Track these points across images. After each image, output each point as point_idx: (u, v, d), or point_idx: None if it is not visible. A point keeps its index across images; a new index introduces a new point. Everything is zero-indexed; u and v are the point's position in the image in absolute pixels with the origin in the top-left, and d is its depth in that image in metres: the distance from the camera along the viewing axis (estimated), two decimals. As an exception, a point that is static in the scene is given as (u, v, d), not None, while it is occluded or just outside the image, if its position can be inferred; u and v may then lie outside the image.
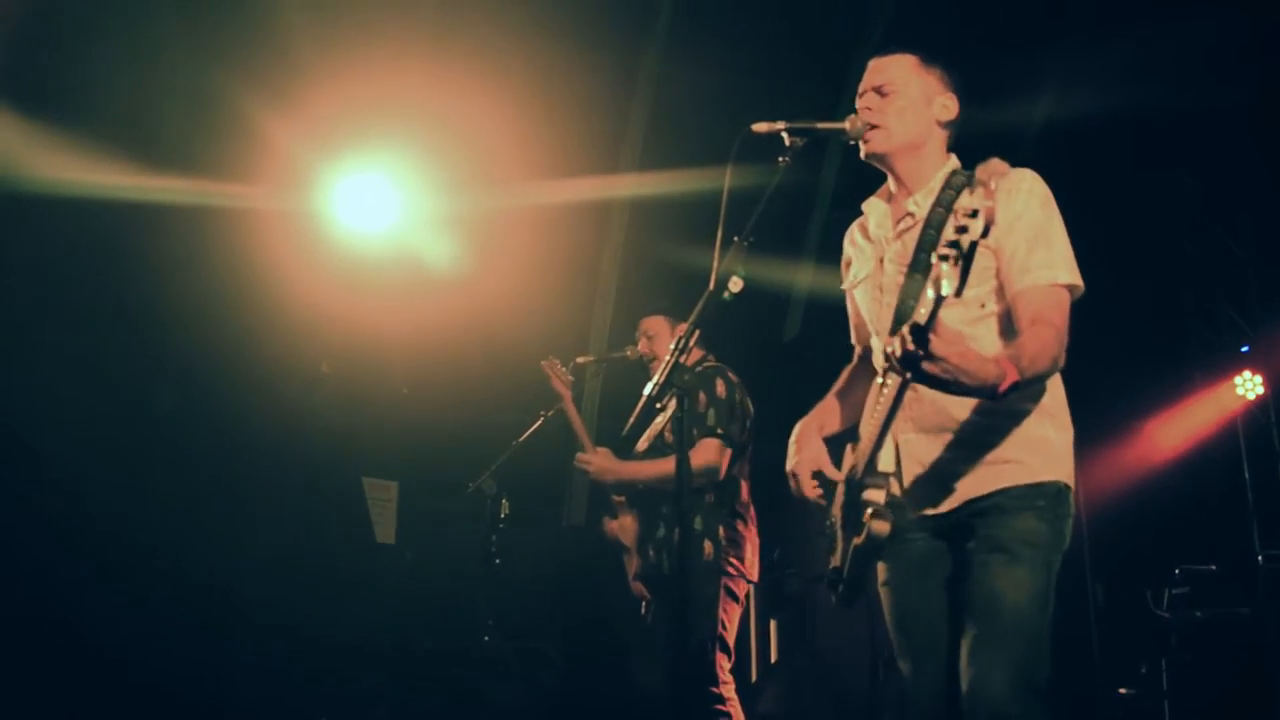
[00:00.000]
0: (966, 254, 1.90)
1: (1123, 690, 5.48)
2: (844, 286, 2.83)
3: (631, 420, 2.64)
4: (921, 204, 2.59)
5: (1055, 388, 2.52)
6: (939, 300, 1.97)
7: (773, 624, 6.48)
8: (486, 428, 5.69)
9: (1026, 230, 2.43)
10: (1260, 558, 5.60)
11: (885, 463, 2.44)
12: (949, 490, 2.46)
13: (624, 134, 7.35)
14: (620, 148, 7.35)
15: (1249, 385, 6.73)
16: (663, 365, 2.45)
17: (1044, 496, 2.42)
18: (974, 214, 1.89)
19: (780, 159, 2.54)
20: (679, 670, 3.63)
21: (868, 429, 2.45)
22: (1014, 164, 2.58)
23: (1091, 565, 5.78)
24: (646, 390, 2.47)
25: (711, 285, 2.45)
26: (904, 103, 2.61)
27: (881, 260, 2.64)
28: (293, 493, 5.16)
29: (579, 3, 6.65)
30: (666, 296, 4.59)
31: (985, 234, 1.89)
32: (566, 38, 6.67)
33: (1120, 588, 5.81)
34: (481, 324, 6.77)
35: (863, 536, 2.42)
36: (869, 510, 2.40)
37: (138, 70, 4.84)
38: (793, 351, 7.68)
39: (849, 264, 2.82)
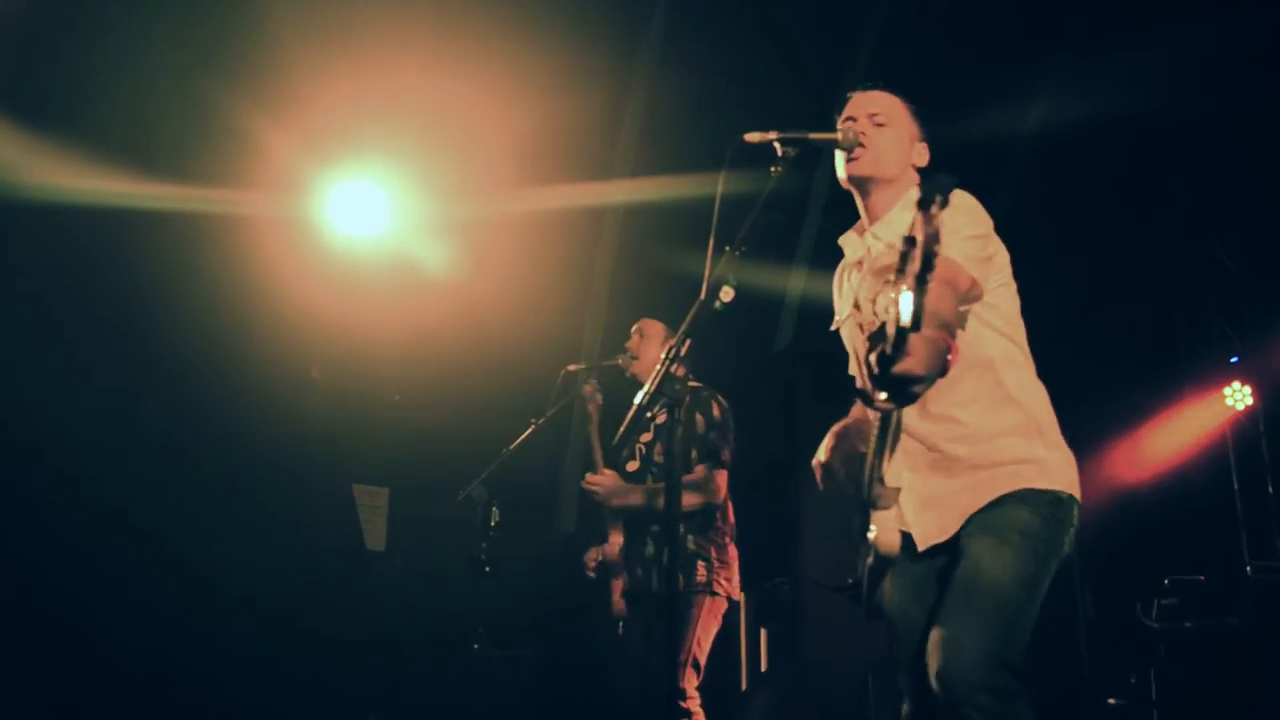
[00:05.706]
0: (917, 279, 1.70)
1: (1112, 700, 5.48)
2: (832, 327, 2.81)
3: (621, 430, 2.63)
4: (881, 235, 2.62)
5: (1035, 407, 2.52)
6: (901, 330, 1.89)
7: (763, 633, 6.46)
8: (478, 434, 5.67)
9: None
10: (1249, 568, 5.61)
11: (887, 499, 2.47)
12: (950, 518, 2.48)
13: (617, 140, 7.36)
14: (613, 154, 7.36)
15: (1238, 396, 6.75)
16: (653, 375, 2.44)
17: (1042, 501, 2.42)
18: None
19: (772, 168, 2.53)
20: (659, 687, 3.62)
21: (866, 463, 2.47)
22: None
23: (1081, 575, 5.78)
24: (637, 400, 2.47)
25: (703, 294, 2.44)
26: (894, 137, 2.64)
27: (857, 301, 2.65)
28: (283, 498, 5.15)
29: (573, 9, 6.66)
30: (659, 302, 4.57)
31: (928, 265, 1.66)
32: (560, 44, 6.68)
33: (1110, 598, 5.81)
34: (474, 330, 6.77)
35: (871, 556, 2.46)
36: (873, 533, 2.44)
37: (132, 77, 4.83)
38: (784, 360, 7.69)
39: (836, 301, 2.82)
